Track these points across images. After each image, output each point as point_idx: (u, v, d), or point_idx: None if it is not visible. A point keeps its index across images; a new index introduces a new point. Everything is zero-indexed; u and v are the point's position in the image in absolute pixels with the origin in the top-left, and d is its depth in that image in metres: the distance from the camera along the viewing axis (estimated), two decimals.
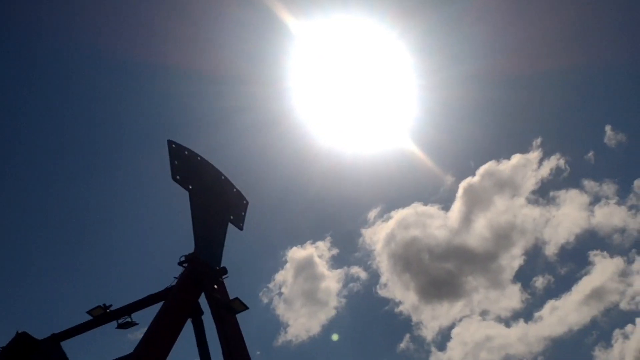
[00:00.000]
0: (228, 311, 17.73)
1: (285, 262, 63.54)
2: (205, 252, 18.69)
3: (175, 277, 18.16)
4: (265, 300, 60.55)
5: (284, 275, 62.12)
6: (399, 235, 60.12)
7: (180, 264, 18.36)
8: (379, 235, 62.09)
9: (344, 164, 59.72)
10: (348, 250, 72.70)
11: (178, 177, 18.95)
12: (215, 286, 18.25)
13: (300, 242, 71.75)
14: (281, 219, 62.50)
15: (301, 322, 60.44)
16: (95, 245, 60.06)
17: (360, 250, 65.40)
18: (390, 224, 61.03)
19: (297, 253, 62.05)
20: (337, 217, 66.38)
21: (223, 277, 18.82)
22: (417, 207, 61.22)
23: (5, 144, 57.43)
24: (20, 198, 57.14)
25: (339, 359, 62.99)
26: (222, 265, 19.05)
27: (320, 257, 62.11)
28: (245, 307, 18.03)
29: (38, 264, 57.35)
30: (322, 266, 61.91)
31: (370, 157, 59.64)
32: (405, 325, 63.63)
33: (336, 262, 71.35)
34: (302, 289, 61.44)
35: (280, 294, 61.43)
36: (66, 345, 19.21)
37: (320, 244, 62.10)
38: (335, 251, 62.77)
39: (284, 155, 58.03)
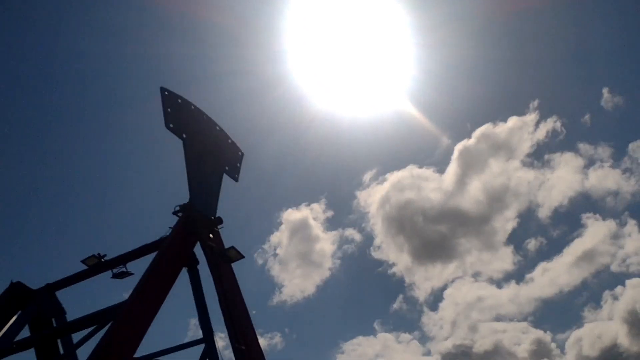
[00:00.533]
0: (223, 259, 17.61)
1: (280, 223, 63.79)
2: (200, 202, 18.48)
3: (170, 227, 18.04)
4: (260, 261, 60.96)
5: (279, 237, 62.45)
6: (393, 198, 60.27)
7: (175, 213, 18.23)
8: (373, 197, 62.27)
9: (339, 126, 59.45)
10: (343, 212, 73.13)
11: (171, 125, 18.62)
12: (211, 235, 18.10)
13: (295, 204, 71.99)
14: (276, 181, 62.40)
15: (296, 283, 61.05)
16: (89, 195, 59.96)
17: (355, 213, 65.58)
18: (385, 187, 61.18)
19: (292, 215, 62.24)
20: (332, 179, 66.47)
21: (218, 227, 18.66)
22: (412, 170, 61.27)
23: None
24: (14, 150, 56.73)
25: (333, 319, 63.76)
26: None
27: (315, 219, 62.37)
28: (241, 256, 17.92)
29: (32, 214, 57.29)
30: (317, 228, 62.21)
31: (366, 118, 59.32)
32: (398, 286, 64.37)
33: (331, 224, 71.82)
34: (297, 251, 61.86)
35: (275, 255, 61.87)
36: (61, 294, 19.21)
37: (315, 206, 62.26)
38: (330, 213, 62.98)
39: (280, 117, 57.61)
